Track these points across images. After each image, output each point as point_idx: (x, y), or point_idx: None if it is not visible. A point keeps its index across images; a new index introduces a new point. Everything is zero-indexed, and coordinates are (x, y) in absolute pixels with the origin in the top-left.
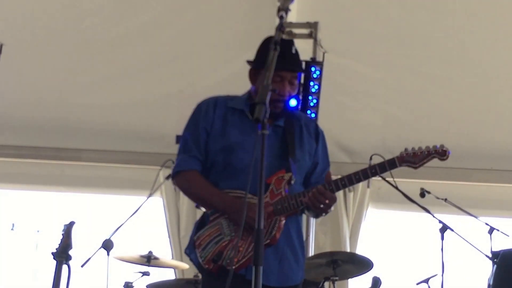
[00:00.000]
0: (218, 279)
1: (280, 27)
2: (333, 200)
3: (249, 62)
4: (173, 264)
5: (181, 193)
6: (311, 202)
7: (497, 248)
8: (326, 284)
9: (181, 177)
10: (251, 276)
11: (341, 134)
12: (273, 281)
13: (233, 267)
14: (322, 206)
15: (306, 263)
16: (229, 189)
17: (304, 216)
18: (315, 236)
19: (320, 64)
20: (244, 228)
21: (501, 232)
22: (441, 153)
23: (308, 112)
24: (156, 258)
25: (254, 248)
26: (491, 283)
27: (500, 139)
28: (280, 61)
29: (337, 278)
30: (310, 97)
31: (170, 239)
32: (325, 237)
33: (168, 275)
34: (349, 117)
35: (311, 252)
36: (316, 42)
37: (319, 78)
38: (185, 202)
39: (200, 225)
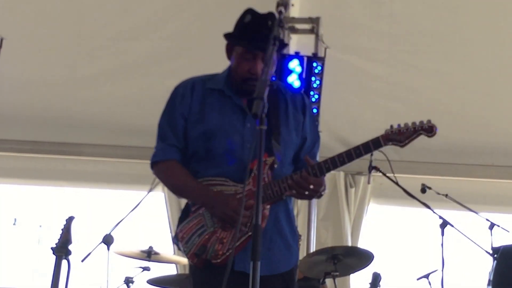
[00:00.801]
0: (203, 271)
1: (279, 22)
2: (318, 184)
3: (225, 35)
4: (174, 259)
5: None
6: (295, 189)
7: (498, 244)
8: (328, 280)
9: (158, 168)
10: (239, 266)
11: (343, 130)
12: (262, 270)
13: (218, 261)
14: (307, 192)
15: (306, 261)
16: (211, 176)
17: (305, 212)
18: (317, 232)
19: (322, 60)
20: (225, 220)
21: (502, 227)
22: (428, 129)
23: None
24: (156, 253)
25: (252, 243)
26: (491, 278)
27: (501, 135)
28: (251, 37)
29: (337, 273)
30: (312, 93)
31: (172, 234)
32: (327, 233)
33: (170, 270)
34: (351, 112)
35: (313, 248)
36: (318, 38)
37: (320, 74)
38: None
39: (183, 216)
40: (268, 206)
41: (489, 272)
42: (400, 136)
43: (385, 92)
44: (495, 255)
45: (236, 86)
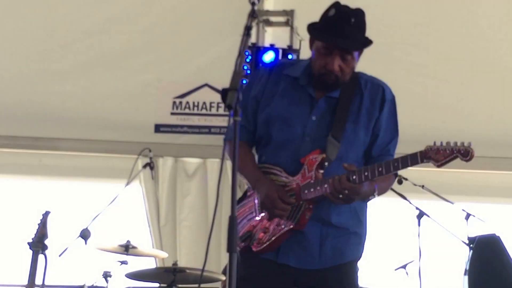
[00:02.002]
0: (243, 262)
1: (252, 14)
2: (354, 192)
3: (309, 26)
4: (152, 253)
5: (160, 182)
6: (329, 191)
7: (474, 234)
8: None
9: (226, 147)
10: (282, 259)
11: None
12: (314, 263)
13: (258, 249)
14: (341, 196)
15: None
16: (269, 164)
17: None
18: None
19: (297, 52)
20: (264, 208)
21: (477, 217)
22: (464, 153)
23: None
24: (134, 247)
25: (228, 236)
26: (467, 268)
27: (477, 125)
28: (331, 34)
29: None
30: None
31: (150, 228)
32: None
33: (150, 264)
34: None
35: None
36: (292, 30)
37: None
38: (164, 190)
39: (242, 197)
40: (311, 205)
41: (465, 262)
42: (438, 155)
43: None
44: (471, 245)
45: (314, 81)
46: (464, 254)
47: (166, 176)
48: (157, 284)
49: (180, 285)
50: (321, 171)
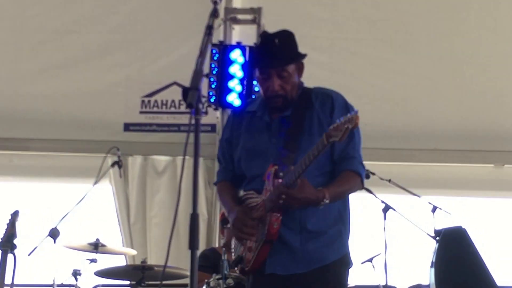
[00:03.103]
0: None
1: (214, 13)
2: (289, 196)
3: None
4: (121, 251)
5: (130, 180)
6: (272, 200)
7: (440, 226)
8: None
9: (217, 189)
10: (269, 269)
11: None
12: (299, 268)
13: (247, 268)
14: (281, 201)
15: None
16: (247, 191)
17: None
18: None
19: None
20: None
21: (444, 210)
22: (350, 122)
23: (253, 97)
24: (103, 245)
25: (189, 233)
26: (434, 260)
27: (443, 119)
28: (261, 58)
29: None
30: (254, 82)
31: (120, 226)
32: None
33: (120, 262)
34: None
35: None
36: (259, 28)
37: None
38: (134, 189)
39: None
40: (278, 214)
41: (432, 254)
42: (337, 131)
43: (328, 79)
44: (437, 238)
45: (266, 105)
46: (431, 247)
47: (135, 174)
48: (126, 282)
49: (148, 282)
50: (279, 180)
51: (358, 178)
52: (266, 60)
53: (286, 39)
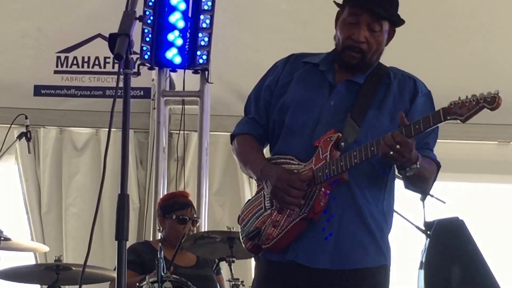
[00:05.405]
0: (258, 260)
1: None
2: (406, 145)
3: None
4: (30, 247)
5: (41, 157)
6: (381, 149)
7: (432, 218)
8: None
9: (233, 143)
10: (290, 256)
11: (239, 79)
12: (323, 262)
13: (267, 246)
14: (391, 153)
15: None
16: (279, 154)
17: (194, 183)
18: (209, 208)
19: None
20: (275, 196)
21: (436, 197)
22: (490, 101)
23: (198, 53)
24: (7, 239)
25: (116, 218)
26: (423, 260)
27: (439, 87)
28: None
29: (234, 259)
30: (200, 34)
31: (29, 216)
32: (222, 210)
33: (27, 260)
34: (248, 57)
35: (205, 227)
36: None
37: (211, 11)
38: (46, 168)
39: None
40: (326, 189)
41: (421, 253)
42: (463, 109)
43: (289, 30)
44: (428, 232)
45: (337, 60)
46: (420, 244)
47: (48, 150)
48: (36, 286)
49: (64, 286)
50: (338, 152)
51: (436, 173)
52: (369, 1)
53: None
